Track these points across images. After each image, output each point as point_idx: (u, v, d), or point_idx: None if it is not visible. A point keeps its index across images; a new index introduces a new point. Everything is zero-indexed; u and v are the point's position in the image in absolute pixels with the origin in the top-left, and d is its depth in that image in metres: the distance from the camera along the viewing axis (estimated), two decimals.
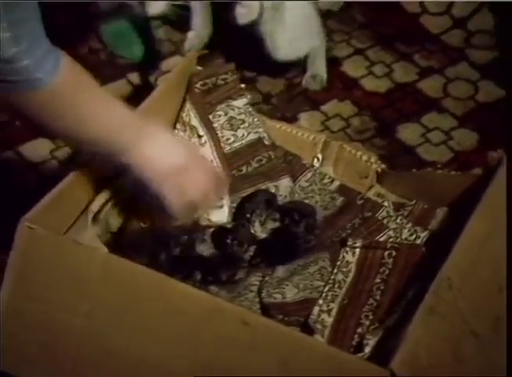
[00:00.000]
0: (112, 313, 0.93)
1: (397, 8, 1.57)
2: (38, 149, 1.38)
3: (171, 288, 0.92)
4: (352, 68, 1.49)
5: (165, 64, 1.50)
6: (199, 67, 1.23)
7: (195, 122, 1.21)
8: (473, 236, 0.99)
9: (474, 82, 1.46)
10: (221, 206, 1.16)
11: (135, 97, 1.43)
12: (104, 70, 1.49)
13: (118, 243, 1.08)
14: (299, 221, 1.13)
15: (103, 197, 1.10)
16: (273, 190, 1.18)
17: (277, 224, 1.14)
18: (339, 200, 1.19)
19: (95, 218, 1.09)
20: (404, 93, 1.45)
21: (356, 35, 1.53)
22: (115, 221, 1.12)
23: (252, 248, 1.11)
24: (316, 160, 1.22)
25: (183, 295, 0.92)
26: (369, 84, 1.47)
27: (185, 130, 1.21)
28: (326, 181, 1.21)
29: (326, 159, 1.22)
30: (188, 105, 1.21)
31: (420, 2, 1.57)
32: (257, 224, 1.14)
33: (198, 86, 1.22)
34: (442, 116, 1.42)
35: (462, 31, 1.54)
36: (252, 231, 1.13)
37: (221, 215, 1.14)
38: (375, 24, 1.55)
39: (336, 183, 1.21)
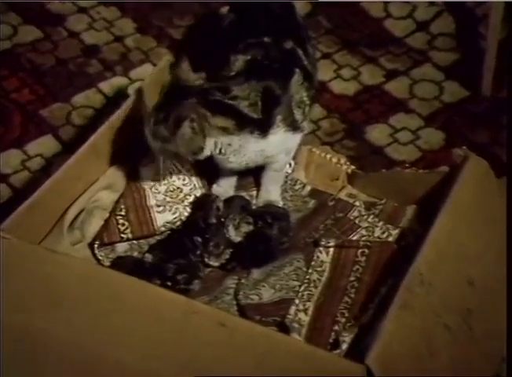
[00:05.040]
0: (91, 320, 0.92)
1: (362, 13, 1.59)
2: (9, 160, 1.37)
3: (148, 292, 0.92)
4: (321, 72, 1.50)
5: (136, 73, 1.50)
6: None
7: None
8: (442, 232, 1.01)
9: (439, 83, 1.49)
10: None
11: (107, 107, 1.43)
12: (74, 80, 1.49)
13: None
14: (272, 223, 1.14)
15: (78, 205, 1.10)
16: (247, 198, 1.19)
17: (251, 227, 1.14)
18: (311, 203, 1.20)
19: (70, 227, 1.09)
20: (372, 95, 1.47)
21: (323, 40, 1.55)
22: (91, 229, 1.12)
23: (228, 251, 1.12)
24: (287, 166, 1.22)
25: (160, 299, 0.92)
26: (337, 87, 1.49)
27: None
28: (297, 187, 1.22)
29: (297, 164, 1.22)
30: None
31: (384, 7, 1.59)
32: (231, 228, 1.14)
33: None
34: (409, 116, 1.44)
35: (425, 33, 1.57)
36: (227, 235, 1.14)
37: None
38: (341, 29, 1.57)
39: (307, 188, 1.21)
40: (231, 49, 1.11)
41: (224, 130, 1.06)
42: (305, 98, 1.13)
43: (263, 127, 1.08)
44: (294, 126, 1.11)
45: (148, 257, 1.09)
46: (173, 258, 1.08)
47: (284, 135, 1.10)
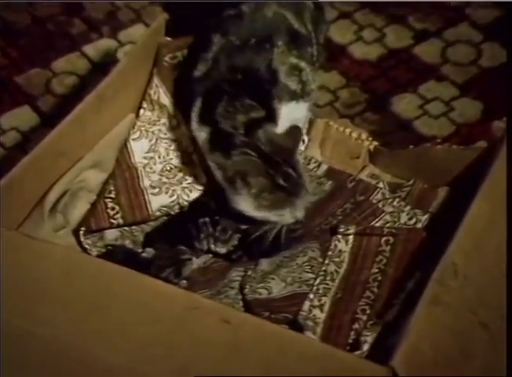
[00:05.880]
0: (77, 317, 0.93)
1: None
2: None
3: (141, 285, 0.94)
4: (339, 34, 1.51)
5: (125, 35, 1.51)
6: (168, 38, 1.24)
7: (165, 100, 1.22)
8: (479, 217, 1.01)
9: (477, 45, 1.49)
10: None
11: (93, 73, 1.44)
12: (54, 42, 1.49)
13: None
14: None
15: (60, 186, 1.11)
16: None
17: None
18: (328, 184, 1.21)
19: (52, 211, 1.10)
20: (398, 60, 1.48)
21: None
22: (76, 214, 1.13)
23: (236, 237, 1.13)
24: (301, 142, 1.23)
25: (155, 293, 0.93)
26: (358, 51, 1.49)
27: (153, 109, 1.22)
28: (312, 166, 1.23)
29: (312, 141, 1.23)
30: (156, 81, 1.22)
31: None
32: None
33: (167, 58, 1.23)
34: (441, 85, 1.44)
35: None
36: None
37: None
38: None
39: (324, 167, 1.22)
40: (210, 26, 1.14)
41: None
42: (297, 62, 1.13)
43: (272, 119, 1.10)
44: (293, 97, 1.12)
45: (150, 251, 1.10)
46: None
47: (287, 109, 1.12)
